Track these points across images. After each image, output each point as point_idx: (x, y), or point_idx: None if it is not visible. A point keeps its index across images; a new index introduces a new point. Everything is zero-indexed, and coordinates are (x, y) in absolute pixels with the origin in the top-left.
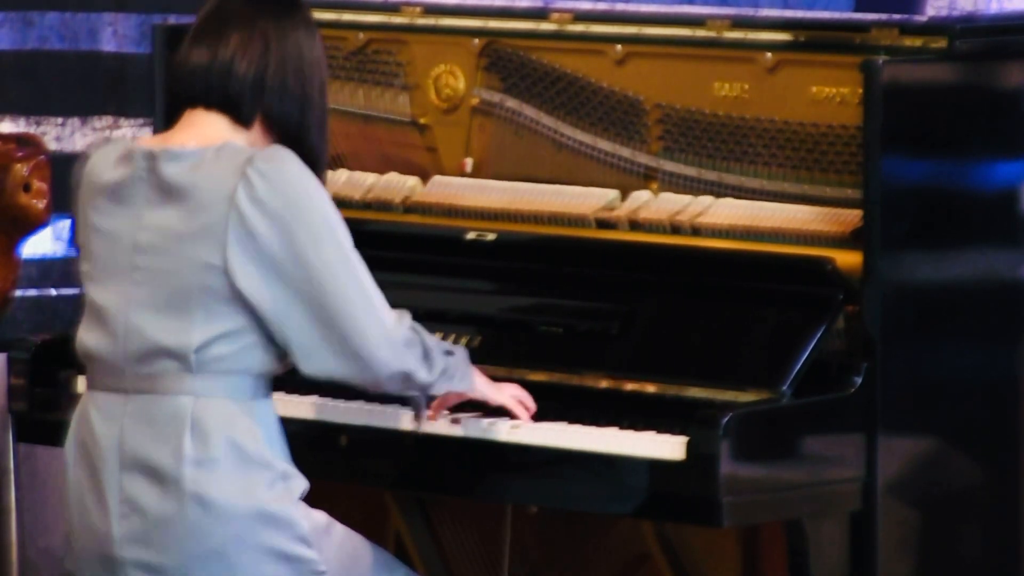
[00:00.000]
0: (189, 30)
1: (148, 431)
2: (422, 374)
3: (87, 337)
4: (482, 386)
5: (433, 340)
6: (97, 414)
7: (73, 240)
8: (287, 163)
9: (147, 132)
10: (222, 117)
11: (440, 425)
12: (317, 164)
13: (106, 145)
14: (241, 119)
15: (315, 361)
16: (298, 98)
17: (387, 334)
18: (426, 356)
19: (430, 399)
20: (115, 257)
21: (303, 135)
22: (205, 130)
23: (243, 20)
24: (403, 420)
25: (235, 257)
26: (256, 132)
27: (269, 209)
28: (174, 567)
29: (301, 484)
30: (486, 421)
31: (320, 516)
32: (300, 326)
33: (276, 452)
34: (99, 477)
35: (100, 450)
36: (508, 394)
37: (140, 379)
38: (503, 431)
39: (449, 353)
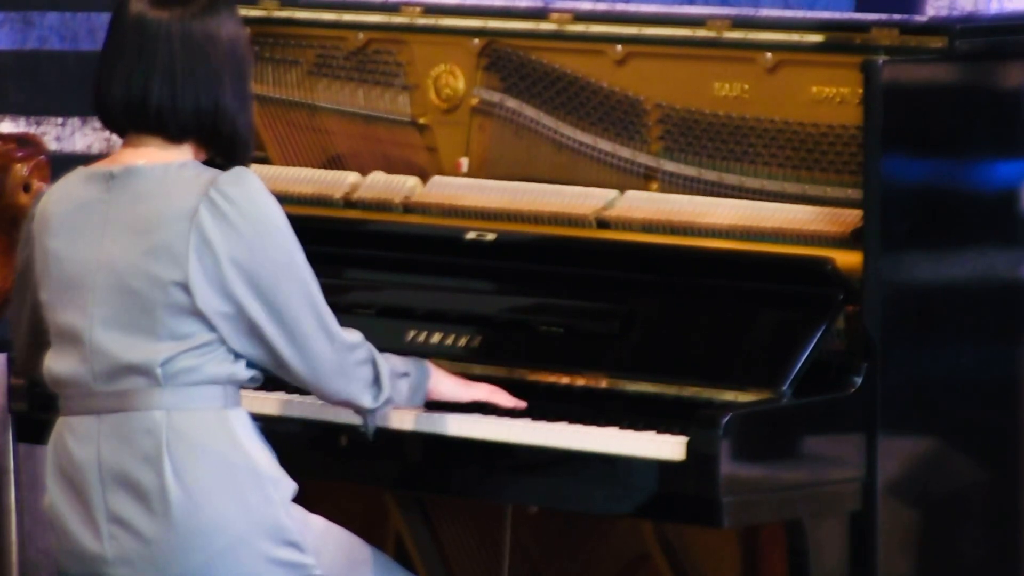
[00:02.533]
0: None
1: (125, 449)
2: (366, 400)
3: (55, 364)
4: (446, 389)
5: (387, 365)
6: (72, 438)
7: (19, 280)
8: (251, 186)
9: None
10: (154, 137)
11: (440, 425)
12: (240, 148)
13: (62, 178)
14: (169, 135)
15: (264, 369)
16: (210, 96)
17: (340, 362)
18: (375, 382)
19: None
20: (78, 279)
21: (219, 130)
22: (149, 151)
23: (146, 32)
24: (404, 420)
25: (196, 275)
26: (190, 146)
27: (232, 231)
28: None
29: (289, 487)
30: (486, 421)
31: (316, 520)
32: (256, 349)
33: (259, 457)
34: (83, 499)
35: (81, 472)
36: (480, 391)
37: (111, 398)
38: (503, 431)
39: (404, 375)
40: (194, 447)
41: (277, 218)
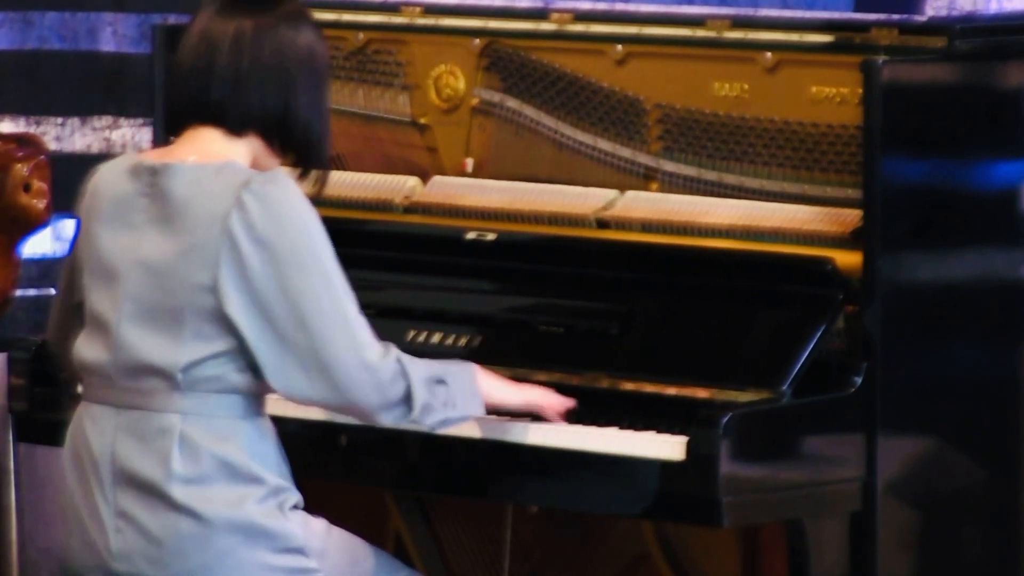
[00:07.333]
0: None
1: (138, 446)
2: (400, 411)
3: (83, 348)
4: (498, 396)
5: (423, 372)
6: (91, 425)
7: (72, 248)
8: (282, 189)
9: (146, 132)
10: (215, 130)
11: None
12: (313, 154)
13: (115, 160)
14: (229, 126)
15: (295, 392)
16: (279, 96)
17: (369, 370)
18: (409, 393)
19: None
20: (113, 270)
21: (290, 131)
22: (203, 145)
23: (220, 27)
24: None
25: (224, 280)
26: (253, 142)
27: (259, 235)
28: None
29: (293, 498)
30: (485, 421)
31: (319, 524)
32: (281, 357)
33: (267, 468)
34: (93, 491)
35: (95, 462)
36: (533, 396)
37: (130, 394)
38: (503, 431)
39: (440, 382)
40: (202, 452)
41: (306, 220)
